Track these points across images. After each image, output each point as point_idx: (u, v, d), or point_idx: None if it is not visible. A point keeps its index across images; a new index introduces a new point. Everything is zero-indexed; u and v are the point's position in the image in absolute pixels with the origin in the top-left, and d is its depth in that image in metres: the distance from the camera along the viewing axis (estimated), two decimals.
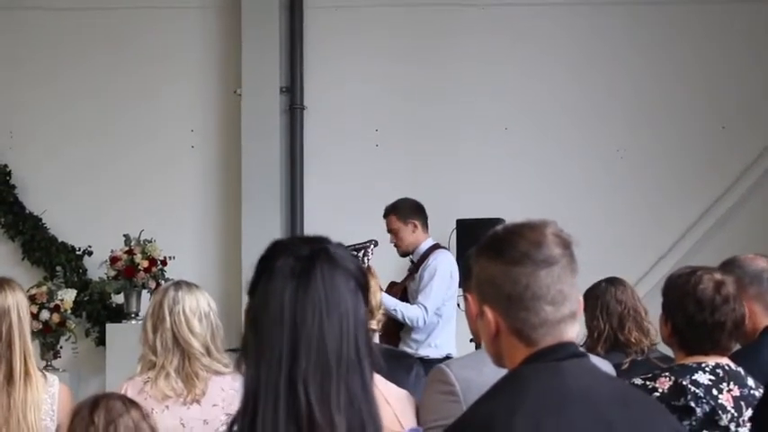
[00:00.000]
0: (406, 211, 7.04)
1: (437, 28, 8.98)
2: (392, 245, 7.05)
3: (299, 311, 1.83)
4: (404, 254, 7.10)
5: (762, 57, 8.81)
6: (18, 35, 9.15)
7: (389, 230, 7.05)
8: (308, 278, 1.85)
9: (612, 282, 4.63)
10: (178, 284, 3.77)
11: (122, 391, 3.57)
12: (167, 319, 3.65)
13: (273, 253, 1.90)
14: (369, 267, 6.44)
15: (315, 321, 1.83)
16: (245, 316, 1.91)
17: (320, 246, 1.92)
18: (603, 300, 4.52)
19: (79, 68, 9.08)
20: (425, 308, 6.79)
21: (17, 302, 3.65)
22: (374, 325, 3.29)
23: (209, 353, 3.66)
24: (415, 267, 7.00)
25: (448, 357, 6.83)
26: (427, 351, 6.85)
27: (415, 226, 7.01)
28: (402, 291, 7.00)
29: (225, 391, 3.63)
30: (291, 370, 1.81)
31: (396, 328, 6.80)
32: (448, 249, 7.24)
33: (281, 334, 1.83)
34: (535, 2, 8.92)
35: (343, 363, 1.83)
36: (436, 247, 7.06)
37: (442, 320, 6.92)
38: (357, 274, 1.91)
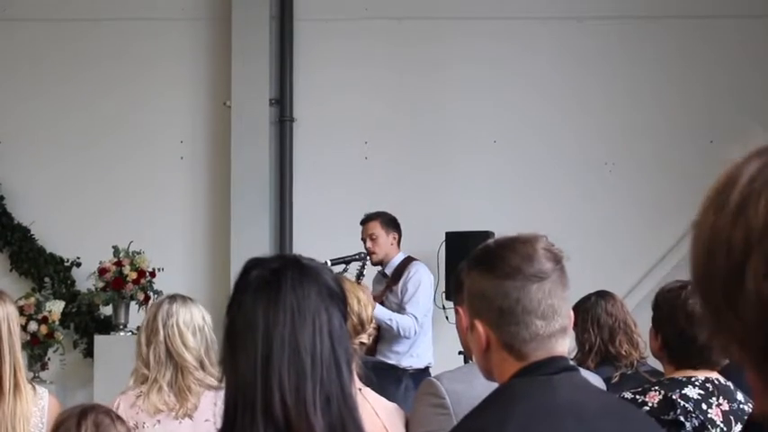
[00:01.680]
0: (388, 221, 7.23)
1: (427, 41, 9.00)
2: (364, 253, 7.15)
3: (271, 317, 1.87)
4: (378, 262, 7.17)
5: (750, 72, 8.85)
6: (7, 45, 9.13)
7: (368, 236, 7.15)
8: (279, 286, 1.89)
9: (602, 295, 4.64)
10: (173, 297, 3.76)
11: (115, 405, 3.56)
12: (161, 332, 3.64)
13: (247, 269, 1.95)
14: (360, 281, 6.52)
15: (287, 325, 1.86)
16: (223, 333, 1.95)
17: (292, 258, 1.97)
18: (594, 313, 4.53)
19: (69, 79, 9.07)
20: (416, 317, 6.90)
21: (7, 314, 3.63)
22: (365, 338, 3.28)
23: (202, 367, 3.65)
24: (393, 280, 7.08)
25: (428, 367, 6.93)
26: (410, 361, 6.99)
27: (394, 238, 7.17)
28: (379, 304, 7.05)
29: (217, 405, 3.61)
30: (266, 374, 1.84)
31: (372, 341, 6.84)
32: (420, 261, 7.30)
33: (254, 340, 1.86)
34: (525, 15, 8.94)
35: (318, 365, 1.86)
36: (410, 259, 7.16)
37: (423, 330, 7.03)
38: (330, 284, 1.94)
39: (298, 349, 1.85)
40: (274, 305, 1.88)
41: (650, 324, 3.35)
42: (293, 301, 1.88)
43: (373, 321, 3.30)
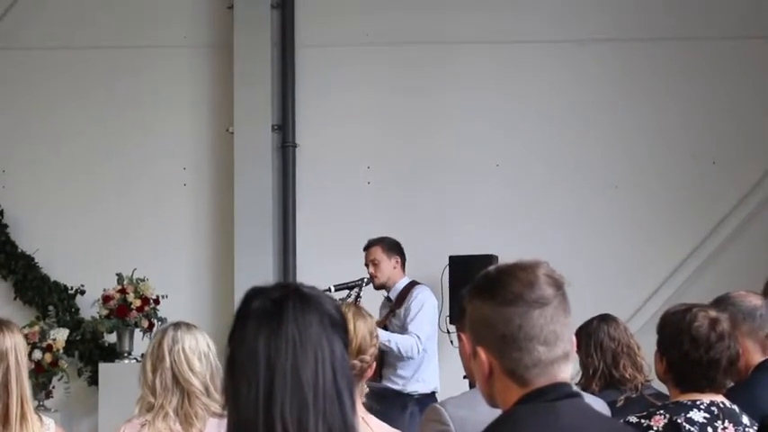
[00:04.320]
0: (390, 246, 7.27)
1: (428, 66, 9.02)
2: (369, 278, 7.17)
3: (272, 348, 1.86)
4: (379, 286, 7.19)
5: (753, 94, 8.85)
6: (10, 74, 9.17)
7: (370, 261, 7.20)
8: (281, 317, 1.89)
9: (605, 319, 4.63)
10: (177, 325, 3.76)
11: None
12: (167, 358, 3.64)
13: (248, 298, 1.94)
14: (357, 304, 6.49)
15: (288, 357, 1.85)
16: (224, 363, 1.94)
17: (293, 287, 1.95)
18: (597, 337, 4.52)
19: (71, 107, 9.10)
20: (418, 337, 6.91)
21: (15, 345, 3.64)
22: (368, 358, 3.27)
23: (208, 393, 3.65)
24: (396, 304, 7.09)
25: (434, 392, 6.91)
26: (415, 386, 6.99)
27: (397, 262, 7.21)
28: (382, 328, 7.05)
29: None
30: (268, 406, 1.84)
31: (377, 366, 6.84)
32: (425, 285, 7.31)
33: (256, 372, 1.86)
34: (526, 39, 8.96)
35: (320, 396, 1.85)
36: (414, 283, 7.18)
37: (428, 355, 7.05)
38: (332, 312, 1.93)
39: (300, 382, 1.84)
40: (276, 336, 1.87)
41: (655, 347, 3.35)
42: (295, 332, 1.87)
43: (377, 339, 3.29)
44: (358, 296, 6.87)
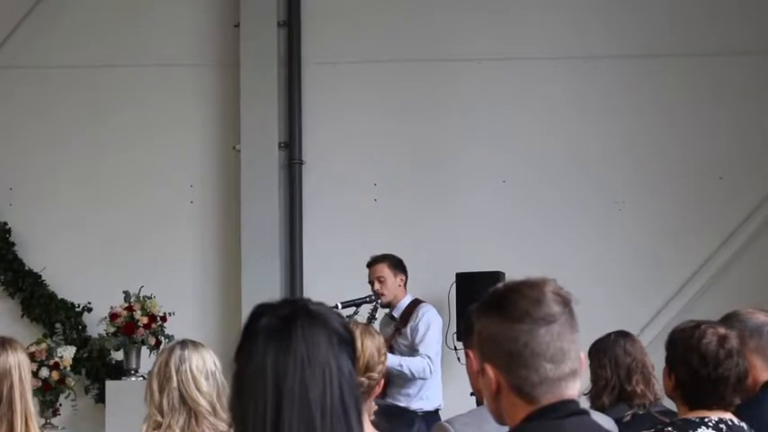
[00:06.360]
0: (396, 263, 7.29)
1: (435, 83, 9.03)
2: (375, 295, 7.14)
3: (280, 367, 1.85)
4: (386, 304, 7.19)
5: (758, 109, 8.85)
6: (17, 92, 9.20)
7: (377, 279, 7.19)
8: (289, 335, 1.88)
9: (623, 334, 4.67)
10: (184, 343, 3.75)
11: None
12: (174, 377, 3.63)
13: (256, 315, 1.93)
14: (372, 324, 6.50)
15: (296, 375, 1.85)
16: (231, 380, 1.93)
17: (301, 304, 1.94)
18: (613, 351, 4.55)
19: (78, 126, 9.12)
20: (429, 358, 6.93)
21: (18, 362, 3.64)
22: (375, 375, 3.27)
23: (215, 412, 3.65)
24: (401, 323, 7.09)
25: (438, 409, 6.93)
26: (420, 404, 7.01)
27: (402, 280, 7.21)
28: (388, 348, 7.06)
29: None
30: (276, 424, 1.83)
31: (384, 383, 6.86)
32: (428, 303, 7.31)
33: (264, 390, 1.85)
34: (531, 56, 8.97)
35: (328, 415, 1.84)
36: (418, 301, 7.18)
37: (433, 373, 7.03)
38: (339, 330, 1.92)
39: (308, 402, 1.84)
40: (284, 355, 1.86)
41: (663, 363, 3.35)
42: (303, 350, 1.86)
43: (384, 356, 3.29)
44: (373, 317, 6.88)
